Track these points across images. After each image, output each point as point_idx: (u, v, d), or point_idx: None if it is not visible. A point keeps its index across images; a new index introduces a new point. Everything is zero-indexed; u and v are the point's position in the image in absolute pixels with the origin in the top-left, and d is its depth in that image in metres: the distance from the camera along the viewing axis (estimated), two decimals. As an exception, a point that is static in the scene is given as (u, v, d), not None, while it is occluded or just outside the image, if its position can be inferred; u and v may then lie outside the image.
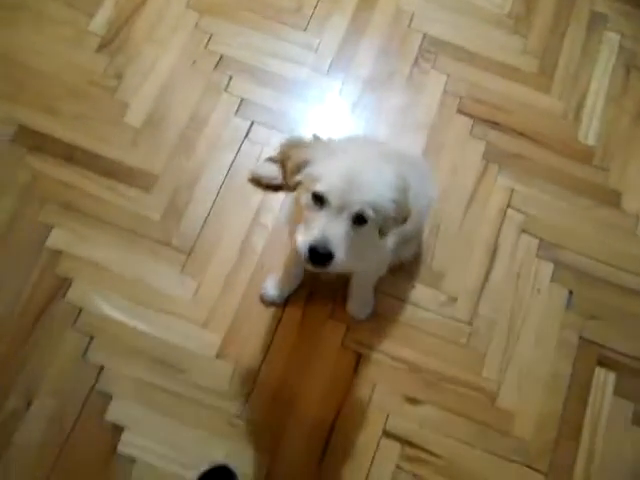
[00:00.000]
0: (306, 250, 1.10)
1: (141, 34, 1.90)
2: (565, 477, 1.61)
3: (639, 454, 1.64)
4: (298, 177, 1.16)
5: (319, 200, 1.11)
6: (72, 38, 1.88)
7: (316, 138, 1.20)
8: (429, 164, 1.79)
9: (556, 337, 1.72)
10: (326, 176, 1.10)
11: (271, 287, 1.66)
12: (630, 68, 2.03)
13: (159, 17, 1.93)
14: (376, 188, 1.12)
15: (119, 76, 1.85)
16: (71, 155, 1.76)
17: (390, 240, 1.39)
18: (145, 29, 1.91)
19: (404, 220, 1.22)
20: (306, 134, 1.23)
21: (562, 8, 2.07)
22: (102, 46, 1.88)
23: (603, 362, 1.71)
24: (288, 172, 1.19)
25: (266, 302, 1.67)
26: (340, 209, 1.10)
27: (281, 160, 1.22)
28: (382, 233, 1.21)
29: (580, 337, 1.72)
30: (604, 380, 1.69)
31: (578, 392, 1.68)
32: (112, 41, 1.88)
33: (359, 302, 1.66)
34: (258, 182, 1.78)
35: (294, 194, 1.31)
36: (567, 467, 1.61)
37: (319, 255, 1.09)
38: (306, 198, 1.14)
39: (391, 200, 1.14)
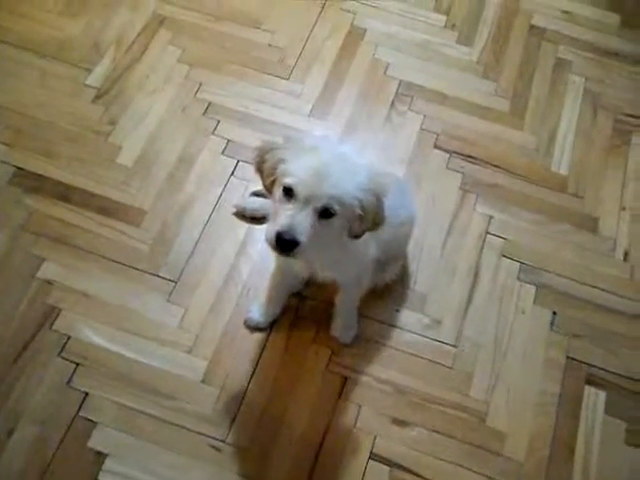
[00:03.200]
0: (273, 237, 1.17)
1: (135, 85, 2.04)
2: (560, 498, 1.56)
3: (634, 474, 1.60)
4: (273, 177, 1.23)
5: (288, 193, 1.18)
6: (71, 91, 2.01)
7: (288, 138, 1.27)
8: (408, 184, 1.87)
9: (542, 357, 1.72)
10: (296, 170, 1.18)
11: (255, 312, 1.68)
12: (596, 107, 2.15)
13: (152, 70, 2.07)
14: (343, 184, 1.18)
15: (113, 122, 1.97)
16: (66, 194, 1.84)
17: (372, 248, 1.44)
18: (139, 81, 2.05)
19: (375, 225, 1.27)
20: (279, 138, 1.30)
21: (529, 56, 2.23)
22: (98, 97, 2.01)
23: (592, 381, 1.69)
24: (265, 174, 1.26)
25: (250, 327, 1.69)
26: (307, 201, 1.17)
27: (258, 164, 1.29)
28: (352, 234, 1.26)
29: (567, 357, 1.72)
30: (594, 399, 1.67)
31: (569, 411, 1.66)
32: (107, 92, 2.01)
33: (343, 324, 1.68)
34: (242, 215, 1.84)
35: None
36: (561, 487, 1.57)
37: (284, 242, 1.16)
38: (278, 193, 1.20)
39: (357, 198, 1.20)
